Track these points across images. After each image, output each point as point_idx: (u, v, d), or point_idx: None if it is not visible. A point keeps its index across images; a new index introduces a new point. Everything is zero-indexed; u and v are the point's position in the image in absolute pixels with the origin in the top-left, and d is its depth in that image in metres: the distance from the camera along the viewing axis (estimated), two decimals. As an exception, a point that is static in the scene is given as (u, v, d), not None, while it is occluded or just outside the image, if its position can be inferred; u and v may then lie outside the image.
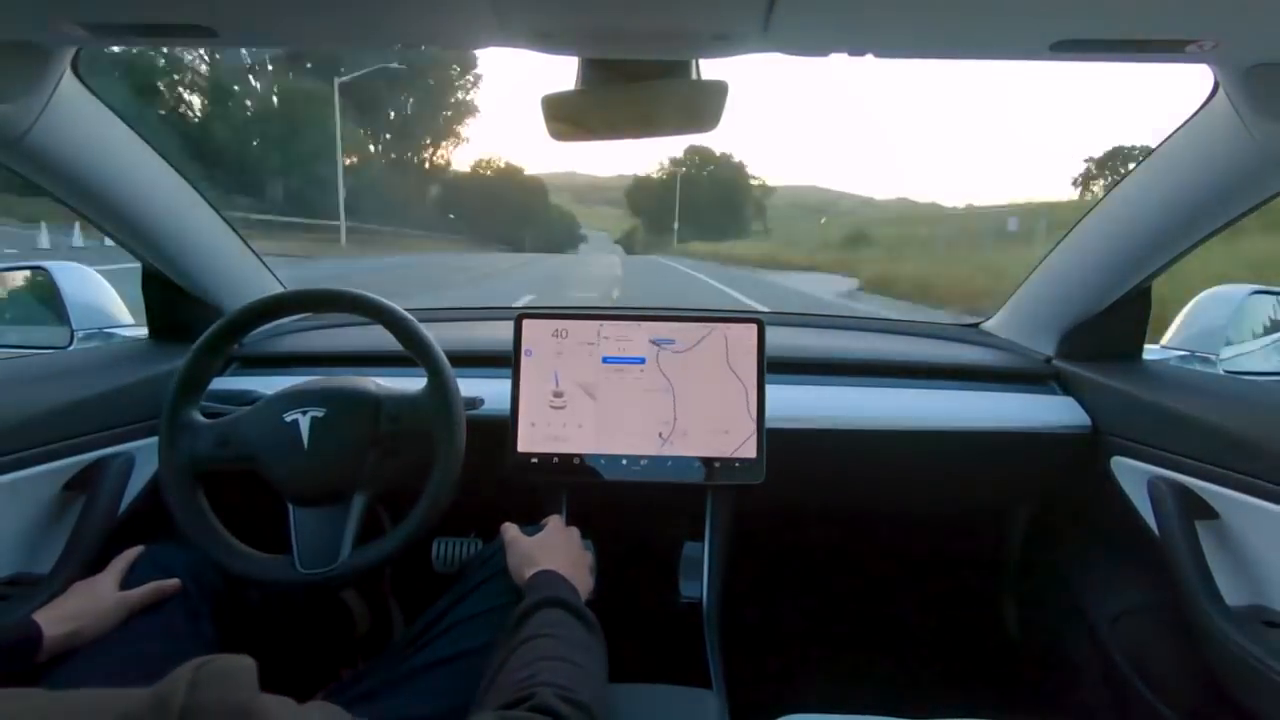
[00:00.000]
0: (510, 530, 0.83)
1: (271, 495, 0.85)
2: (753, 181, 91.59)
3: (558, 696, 0.52)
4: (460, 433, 0.84)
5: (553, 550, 0.78)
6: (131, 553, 0.82)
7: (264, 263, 1.27)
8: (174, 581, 0.79)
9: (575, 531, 0.86)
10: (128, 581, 0.78)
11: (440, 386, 0.85)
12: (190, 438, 0.84)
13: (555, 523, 0.86)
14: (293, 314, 1.30)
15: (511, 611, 0.68)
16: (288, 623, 0.97)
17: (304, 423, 0.84)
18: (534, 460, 1.00)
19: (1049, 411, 1.11)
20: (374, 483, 0.86)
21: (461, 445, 0.84)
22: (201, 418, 0.87)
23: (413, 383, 0.89)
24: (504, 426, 1.00)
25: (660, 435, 1.01)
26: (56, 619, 0.70)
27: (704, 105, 0.78)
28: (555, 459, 1.01)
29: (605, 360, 1.02)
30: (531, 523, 0.87)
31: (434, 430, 0.84)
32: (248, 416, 0.86)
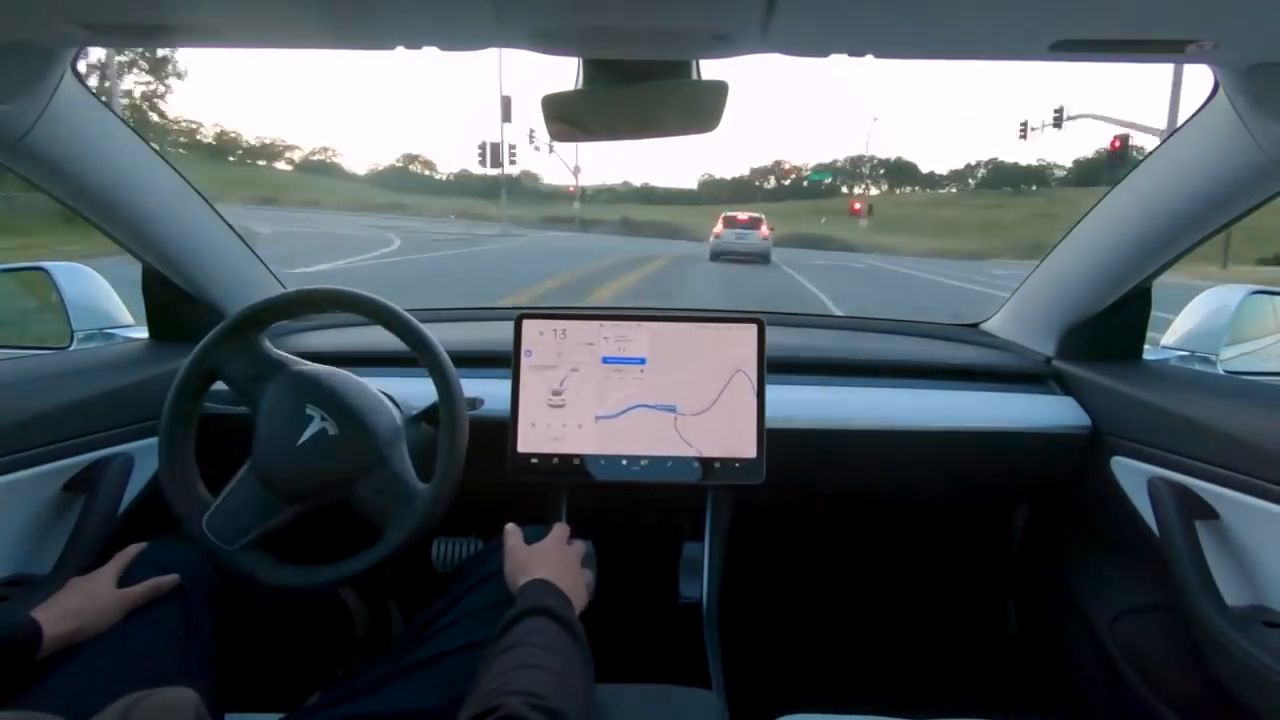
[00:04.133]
0: (512, 536, 0.82)
1: (244, 445, 0.86)
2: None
3: (527, 704, 0.52)
4: (424, 522, 0.83)
5: (549, 561, 0.77)
6: (131, 550, 0.82)
7: (264, 263, 1.27)
8: (172, 578, 0.79)
9: (580, 545, 0.85)
10: (126, 578, 0.78)
11: (446, 401, 0.85)
12: (230, 355, 0.87)
13: (559, 533, 0.85)
14: (297, 313, 1.30)
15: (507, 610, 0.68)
16: (286, 622, 0.97)
17: (313, 426, 0.84)
18: (534, 460, 1.00)
19: (1049, 411, 1.11)
20: (312, 504, 0.86)
21: (419, 536, 0.83)
22: (258, 346, 0.89)
23: (418, 385, 0.89)
24: (504, 426, 1.00)
25: (660, 435, 1.00)
26: (56, 616, 0.70)
27: (704, 105, 0.78)
28: (555, 459, 1.00)
29: (605, 360, 1.02)
30: (533, 524, 0.87)
31: (392, 519, 0.83)
32: (279, 380, 0.87)
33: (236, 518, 0.83)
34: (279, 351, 0.91)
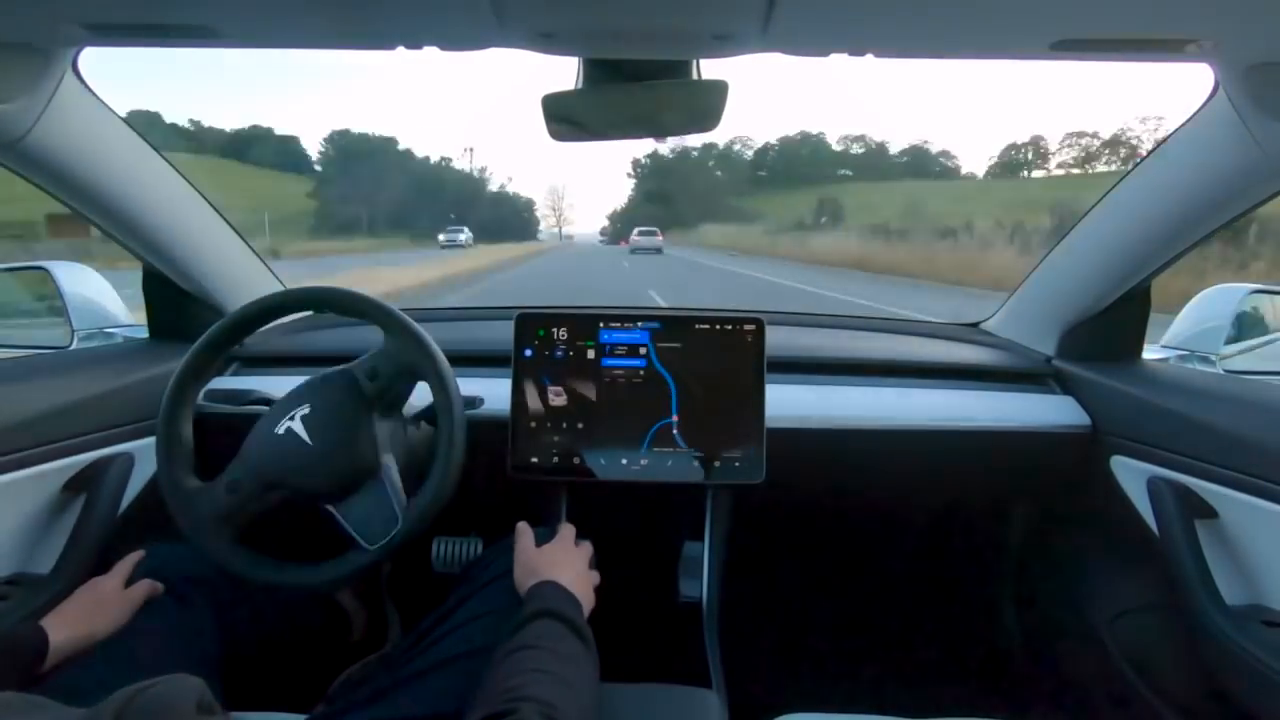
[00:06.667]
0: (523, 536, 0.82)
1: (307, 507, 0.84)
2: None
3: (540, 713, 0.52)
4: (449, 376, 0.84)
5: (559, 563, 0.77)
6: (135, 556, 0.82)
7: (264, 262, 1.27)
8: (158, 584, 0.79)
9: (587, 546, 0.85)
10: (130, 584, 0.79)
11: (442, 398, 0.84)
12: (201, 503, 0.82)
13: (567, 534, 0.85)
14: (293, 314, 1.30)
15: (513, 615, 0.68)
16: (286, 625, 0.97)
17: (297, 426, 0.83)
18: (533, 460, 1.01)
19: (1049, 411, 1.11)
20: (393, 443, 0.86)
21: (463, 422, 0.83)
22: (197, 481, 0.85)
23: (416, 384, 0.89)
24: (504, 426, 1.00)
25: (660, 434, 1.00)
26: (63, 624, 0.70)
27: (704, 104, 0.79)
28: (555, 458, 1.01)
29: (605, 359, 1.02)
30: (534, 524, 0.87)
31: (417, 363, 0.84)
32: (245, 452, 0.85)
33: (374, 524, 0.81)
34: (211, 413, 0.92)
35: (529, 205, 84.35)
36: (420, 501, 0.82)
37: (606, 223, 77.07)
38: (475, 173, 76.86)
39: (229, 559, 0.81)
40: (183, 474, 0.84)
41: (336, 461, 0.83)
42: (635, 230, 31.00)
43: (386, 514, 0.81)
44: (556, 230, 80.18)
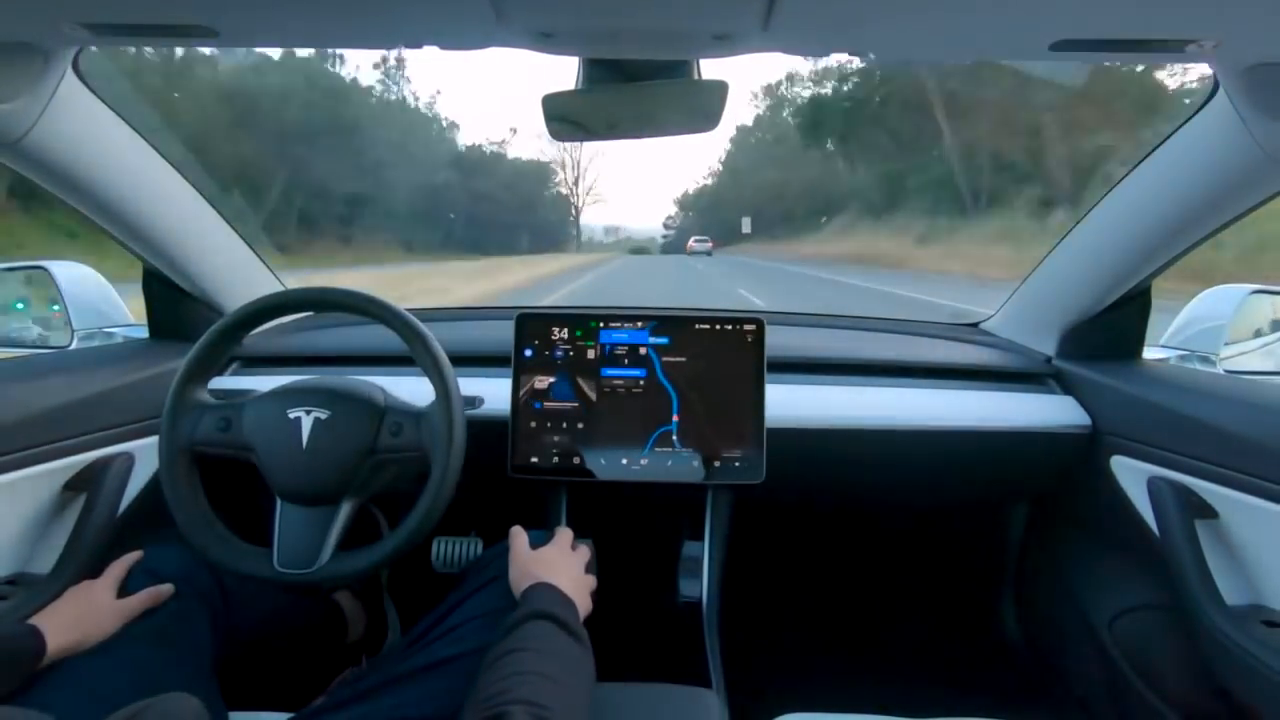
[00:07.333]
0: (518, 539, 0.82)
1: (263, 488, 0.85)
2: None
3: (529, 714, 0.52)
4: (458, 456, 0.84)
5: (555, 566, 0.77)
6: (129, 558, 0.82)
7: (265, 262, 1.27)
8: (167, 587, 0.79)
9: (584, 550, 0.85)
10: (125, 585, 0.79)
11: (443, 398, 0.85)
12: (195, 417, 0.85)
13: (564, 537, 0.85)
14: (293, 314, 1.30)
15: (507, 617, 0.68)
16: (283, 627, 0.97)
17: (306, 422, 0.84)
18: (533, 460, 1.01)
19: (1049, 411, 1.11)
20: (363, 491, 0.86)
21: (458, 468, 0.84)
22: (209, 397, 0.88)
23: (416, 384, 0.89)
24: (503, 425, 1.00)
25: (660, 434, 1.01)
26: (57, 627, 0.70)
27: (704, 104, 0.79)
28: (555, 458, 1.01)
29: (605, 359, 1.02)
30: (534, 524, 0.87)
31: (432, 450, 0.84)
32: (252, 405, 0.87)
33: (300, 545, 0.83)
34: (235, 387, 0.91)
35: (547, 171, 45.54)
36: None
37: (677, 209, 56.49)
38: (405, 100, 33.65)
39: (175, 486, 0.83)
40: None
41: (312, 476, 0.84)
42: (691, 239, 33.46)
43: (312, 548, 0.82)
44: (572, 221, 46.64)
